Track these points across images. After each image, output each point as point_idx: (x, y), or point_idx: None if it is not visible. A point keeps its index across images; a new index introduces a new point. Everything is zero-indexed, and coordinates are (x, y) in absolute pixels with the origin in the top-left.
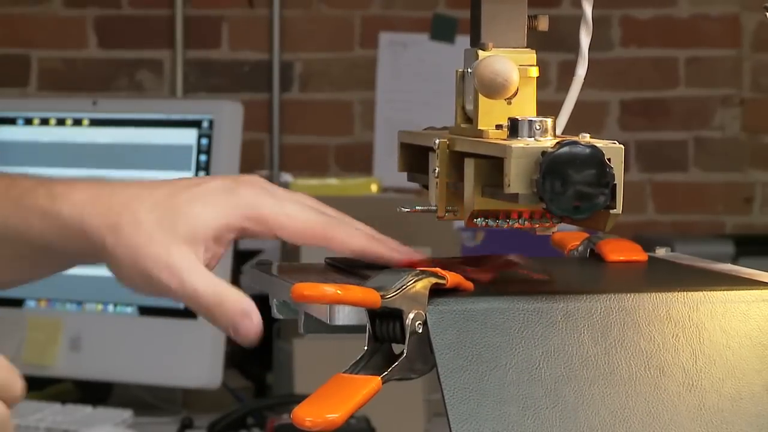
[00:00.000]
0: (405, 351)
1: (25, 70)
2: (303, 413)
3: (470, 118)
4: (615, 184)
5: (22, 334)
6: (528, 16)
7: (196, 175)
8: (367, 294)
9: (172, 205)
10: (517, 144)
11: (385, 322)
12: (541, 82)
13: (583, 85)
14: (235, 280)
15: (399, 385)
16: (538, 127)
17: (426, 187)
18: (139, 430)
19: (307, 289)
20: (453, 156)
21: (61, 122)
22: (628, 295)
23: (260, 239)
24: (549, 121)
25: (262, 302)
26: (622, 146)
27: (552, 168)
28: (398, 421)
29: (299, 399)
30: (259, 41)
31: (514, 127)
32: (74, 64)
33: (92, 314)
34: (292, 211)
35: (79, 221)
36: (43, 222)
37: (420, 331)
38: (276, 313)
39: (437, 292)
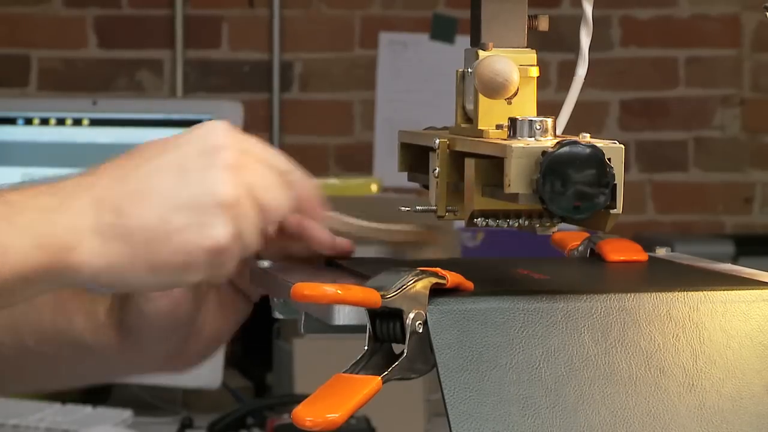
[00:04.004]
0: (405, 351)
1: (25, 70)
2: (303, 413)
3: (470, 118)
4: (615, 184)
5: None
6: (528, 16)
7: None
8: (367, 294)
9: None
10: (517, 144)
11: (385, 322)
12: (541, 82)
13: (583, 85)
14: None
15: (399, 385)
16: (538, 127)
17: (426, 187)
18: (139, 430)
19: (307, 289)
20: (453, 156)
21: (61, 122)
22: (629, 294)
23: None
24: (549, 121)
25: (262, 302)
26: (622, 146)
27: (552, 168)
28: (398, 421)
29: (299, 399)
30: (259, 41)
31: (514, 127)
32: (74, 64)
33: None
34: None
35: None
36: None
37: (420, 330)
38: (276, 313)
39: (437, 291)
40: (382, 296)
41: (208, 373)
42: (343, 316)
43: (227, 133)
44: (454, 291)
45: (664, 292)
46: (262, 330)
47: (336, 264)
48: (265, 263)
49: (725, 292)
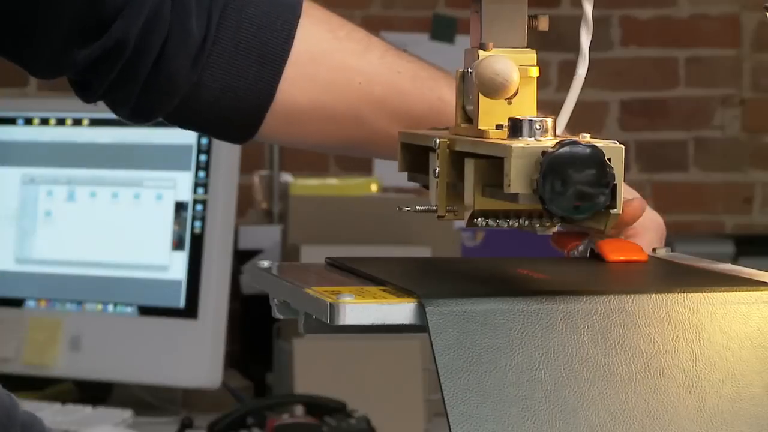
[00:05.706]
0: None
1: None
2: None
3: (470, 118)
4: (615, 184)
5: (22, 334)
6: (528, 16)
7: (196, 174)
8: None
9: None
10: (517, 144)
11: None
12: (541, 82)
13: (583, 85)
14: (235, 280)
15: (399, 385)
16: (538, 127)
17: (426, 187)
18: (139, 430)
19: None
20: (453, 156)
21: (61, 122)
22: (629, 296)
23: None
24: (549, 121)
25: (262, 302)
26: (622, 146)
27: (552, 168)
28: (398, 421)
29: (299, 399)
30: None
31: (514, 127)
32: None
33: (92, 314)
34: None
35: None
36: None
37: None
38: (276, 313)
39: (437, 293)
40: None
41: (208, 373)
42: (344, 316)
43: None
44: (454, 291)
45: (664, 293)
46: (262, 330)
47: (337, 265)
48: (265, 263)
49: (725, 293)
